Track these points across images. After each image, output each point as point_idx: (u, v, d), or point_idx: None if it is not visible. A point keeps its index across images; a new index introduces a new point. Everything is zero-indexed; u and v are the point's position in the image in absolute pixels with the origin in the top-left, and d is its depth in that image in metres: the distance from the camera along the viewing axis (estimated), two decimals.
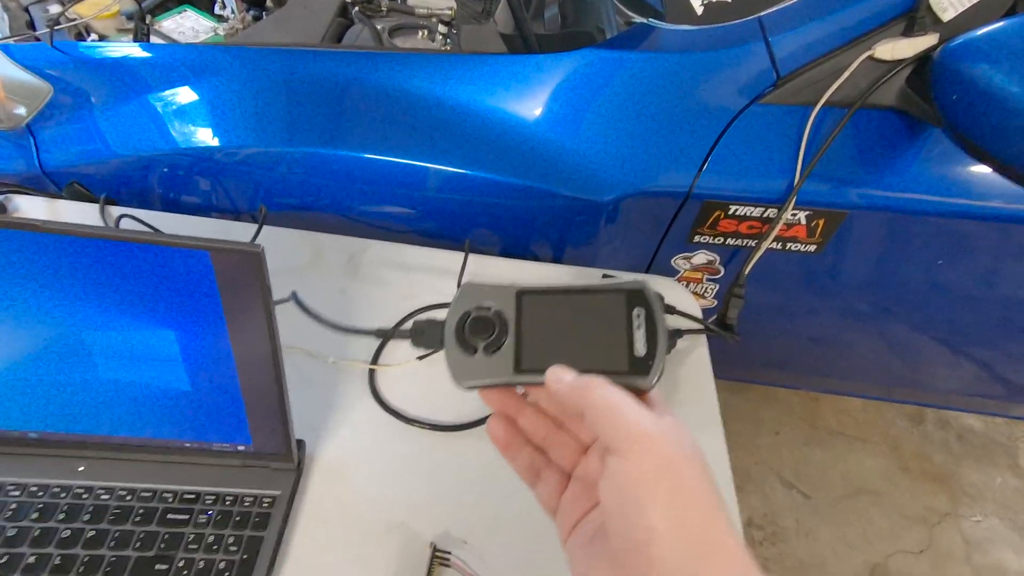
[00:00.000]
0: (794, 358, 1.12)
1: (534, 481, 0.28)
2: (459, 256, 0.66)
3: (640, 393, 0.26)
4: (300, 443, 0.48)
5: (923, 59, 0.64)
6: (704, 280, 0.89)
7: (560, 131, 0.73)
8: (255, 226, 0.65)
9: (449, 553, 0.46)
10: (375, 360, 0.57)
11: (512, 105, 0.74)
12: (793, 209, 0.74)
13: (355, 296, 0.62)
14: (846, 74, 0.66)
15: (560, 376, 0.25)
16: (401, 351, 0.59)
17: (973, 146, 0.59)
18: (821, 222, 0.76)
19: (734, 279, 0.77)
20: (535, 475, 0.28)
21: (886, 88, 0.67)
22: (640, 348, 0.27)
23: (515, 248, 0.79)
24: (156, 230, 0.62)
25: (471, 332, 0.28)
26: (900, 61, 0.65)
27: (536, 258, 0.75)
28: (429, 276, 0.64)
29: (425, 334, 0.32)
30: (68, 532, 0.41)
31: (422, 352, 0.58)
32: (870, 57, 0.66)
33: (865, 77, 0.68)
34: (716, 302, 0.93)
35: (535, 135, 0.73)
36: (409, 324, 0.61)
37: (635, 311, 0.27)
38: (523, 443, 0.29)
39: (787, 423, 1.48)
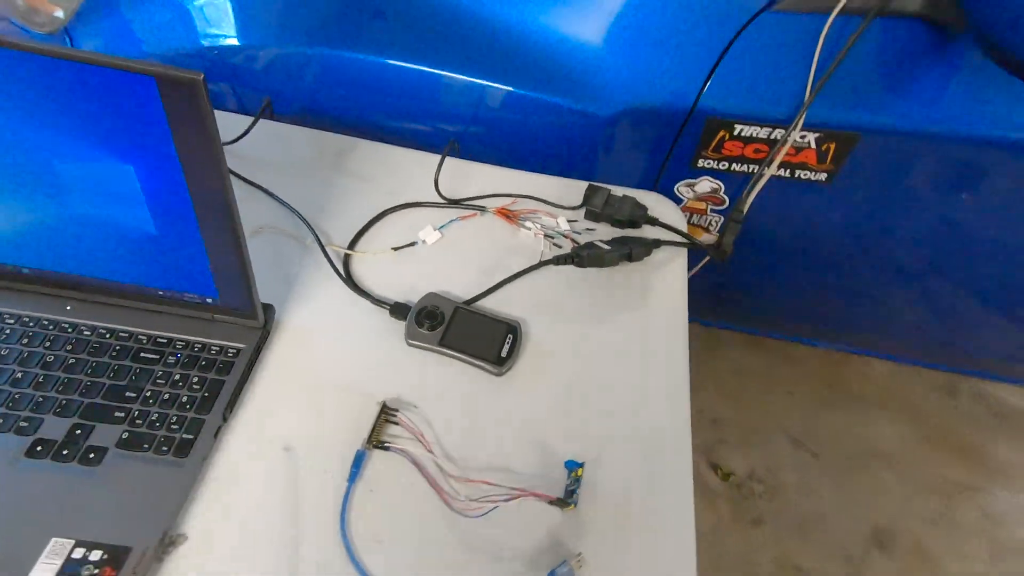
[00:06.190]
0: (811, 308, 1.07)
1: None
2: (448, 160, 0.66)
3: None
4: (269, 307, 0.51)
5: None
6: (708, 211, 0.86)
7: (559, 35, 0.71)
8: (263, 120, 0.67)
9: (397, 411, 0.48)
10: (351, 247, 0.59)
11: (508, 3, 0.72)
12: (803, 130, 0.71)
13: (339, 189, 0.64)
14: None
15: None
16: (378, 241, 0.60)
17: (997, 49, 0.54)
18: (832, 146, 0.72)
19: (735, 203, 0.75)
20: None
21: None
22: (504, 353, 0.52)
23: (511, 157, 0.78)
24: None
25: (424, 316, 0.52)
26: None
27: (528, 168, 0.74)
28: (414, 176, 0.65)
29: (399, 311, 0.54)
30: (52, 357, 0.45)
31: (399, 244, 0.60)
32: None
33: None
34: (720, 236, 0.90)
35: (529, 37, 0.72)
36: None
37: (508, 335, 0.53)
38: None
39: (804, 383, 1.43)
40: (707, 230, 0.89)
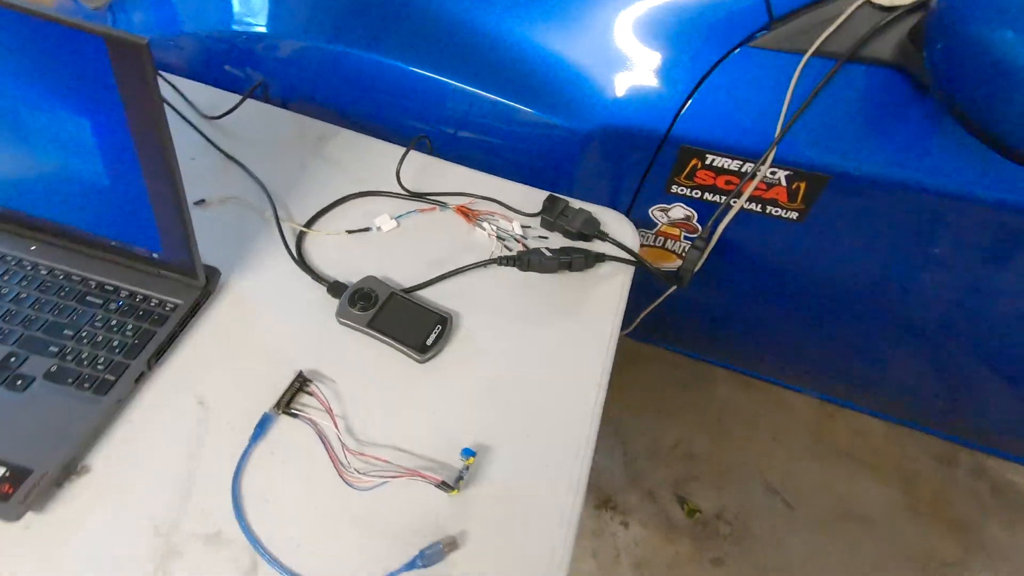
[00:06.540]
0: (797, 352, 1.05)
1: None
2: (419, 155, 0.69)
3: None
4: (214, 270, 0.54)
5: (924, 4, 0.59)
6: (682, 238, 0.86)
7: (546, 51, 0.74)
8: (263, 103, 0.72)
9: (312, 382, 0.50)
10: (308, 225, 0.62)
11: (496, 11, 0.75)
12: (773, 167, 0.71)
13: (311, 171, 0.68)
14: (840, 19, 0.62)
15: None
16: (335, 223, 0.63)
17: (958, 110, 0.54)
18: (802, 185, 0.72)
19: (702, 231, 0.75)
20: None
21: (885, 40, 0.62)
22: (429, 342, 0.53)
23: (499, 163, 0.80)
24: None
25: (358, 297, 0.55)
26: (898, 7, 0.60)
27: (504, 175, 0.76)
28: (386, 168, 0.68)
29: (337, 289, 0.56)
30: (6, 289, 0.49)
31: (353, 228, 0.63)
32: (868, 2, 0.61)
33: (865, 25, 0.63)
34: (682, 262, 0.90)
35: (520, 51, 0.74)
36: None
37: (437, 325, 0.54)
38: None
39: (790, 431, 1.39)
40: (680, 256, 0.89)
